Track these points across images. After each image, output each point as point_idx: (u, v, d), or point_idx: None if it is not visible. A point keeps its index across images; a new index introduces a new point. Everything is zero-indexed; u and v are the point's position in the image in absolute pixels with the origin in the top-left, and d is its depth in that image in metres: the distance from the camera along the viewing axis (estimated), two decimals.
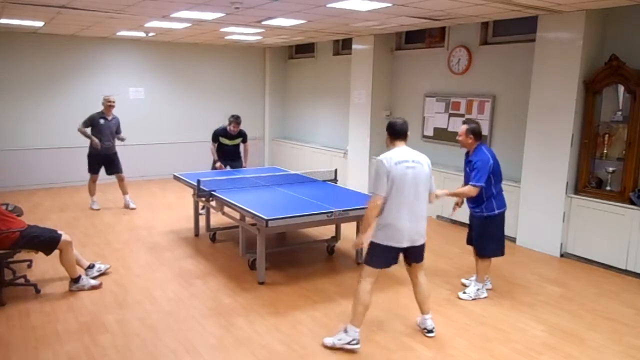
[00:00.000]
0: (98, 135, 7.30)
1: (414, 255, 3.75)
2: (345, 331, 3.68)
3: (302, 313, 4.28)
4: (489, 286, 4.82)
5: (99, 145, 7.25)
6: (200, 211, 6.57)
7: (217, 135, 7.28)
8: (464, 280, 4.97)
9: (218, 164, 7.21)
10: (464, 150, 4.67)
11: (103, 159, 7.48)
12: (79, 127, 7.35)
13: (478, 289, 4.65)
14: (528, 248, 6.09)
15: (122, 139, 7.54)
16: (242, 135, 7.39)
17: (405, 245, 3.60)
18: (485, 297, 4.64)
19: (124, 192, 7.81)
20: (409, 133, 3.73)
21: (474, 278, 4.78)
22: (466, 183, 4.55)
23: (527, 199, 6.14)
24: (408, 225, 3.56)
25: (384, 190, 3.49)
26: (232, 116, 7.23)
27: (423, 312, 3.95)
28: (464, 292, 4.66)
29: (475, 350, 3.72)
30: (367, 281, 3.64)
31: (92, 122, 7.31)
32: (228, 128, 7.19)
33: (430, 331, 3.91)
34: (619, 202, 5.33)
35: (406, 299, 4.49)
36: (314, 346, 3.75)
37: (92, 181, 7.63)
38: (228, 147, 7.35)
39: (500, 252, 4.63)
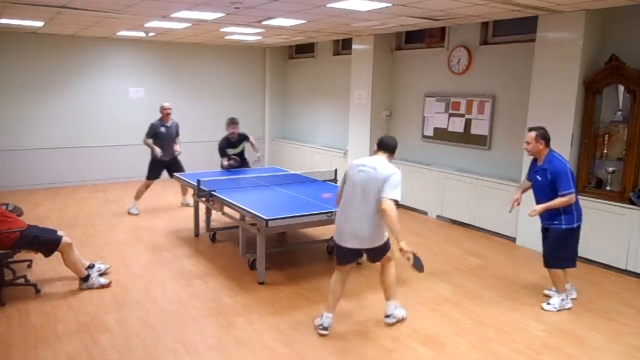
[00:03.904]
0: (160, 143, 7.30)
1: (369, 256, 3.96)
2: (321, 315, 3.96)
3: (302, 313, 4.28)
4: (574, 295, 4.59)
5: (160, 154, 7.24)
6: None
7: (223, 149, 7.08)
8: (546, 292, 4.70)
9: (226, 163, 7.08)
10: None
11: (165, 164, 7.46)
12: (144, 139, 7.35)
13: (562, 300, 4.39)
14: (528, 248, 6.09)
15: (178, 152, 7.47)
16: (244, 138, 7.24)
17: (350, 246, 3.76)
18: (569, 308, 4.39)
19: (184, 193, 7.85)
20: (396, 145, 3.90)
21: (554, 290, 4.53)
22: (540, 194, 4.36)
23: (527, 199, 6.11)
24: (349, 227, 3.74)
25: (340, 189, 3.91)
26: (228, 119, 7.08)
27: (386, 298, 4.11)
28: (548, 304, 4.39)
29: (475, 350, 3.72)
30: (335, 272, 3.98)
31: (154, 131, 7.32)
32: (228, 135, 7.02)
33: (387, 316, 4.06)
34: (619, 202, 5.33)
35: (406, 300, 4.49)
36: (314, 346, 3.75)
37: (146, 186, 7.58)
38: (237, 154, 7.22)
39: (572, 263, 4.40)
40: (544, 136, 4.29)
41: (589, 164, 5.63)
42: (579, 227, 4.34)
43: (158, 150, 7.24)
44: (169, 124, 7.44)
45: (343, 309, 4.36)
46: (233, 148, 7.14)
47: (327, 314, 3.93)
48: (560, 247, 4.33)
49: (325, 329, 3.89)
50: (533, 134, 4.31)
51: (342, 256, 3.88)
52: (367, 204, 3.67)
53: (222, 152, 7.08)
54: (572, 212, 4.26)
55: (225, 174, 6.68)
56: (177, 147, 7.48)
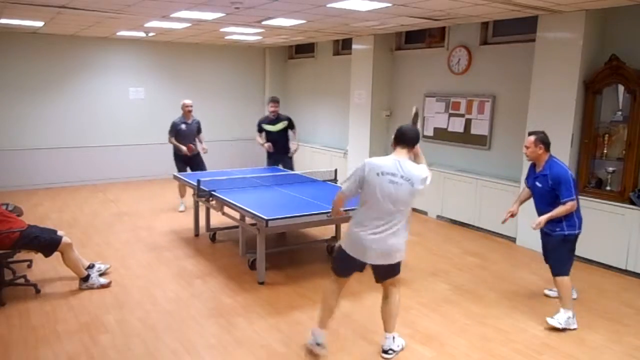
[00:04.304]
0: (181, 140, 7.35)
1: (378, 272, 3.47)
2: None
3: (302, 313, 4.28)
4: (575, 295, 4.46)
5: (187, 152, 7.29)
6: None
7: (259, 124, 7.32)
8: (547, 292, 4.69)
9: (267, 145, 7.24)
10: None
11: (189, 160, 7.50)
12: (168, 138, 7.39)
13: (569, 318, 4.08)
14: (528, 248, 6.09)
15: (205, 150, 7.52)
16: (286, 120, 7.22)
17: (367, 261, 3.34)
18: (575, 329, 4.08)
19: (182, 195, 7.82)
20: (417, 142, 3.38)
21: (555, 290, 4.42)
22: (540, 202, 4.24)
23: (527, 205, 6.11)
24: (374, 241, 3.27)
25: (350, 191, 3.37)
26: (270, 97, 7.30)
27: (385, 329, 3.61)
28: (553, 318, 4.09)
29: (475, 350, 3.72)
30: (330, 281, 3.58)
31: (175, 129, 7.36)
32: (267, 112, 7.23)
33: (385, 352, 3.58)
34: (619, 202, 5.33)
35: (406, 300, 4.48)
36: None
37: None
38: (273, 135, 7.29)
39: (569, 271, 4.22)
40: (543, 141, 4.13)
41: (589, 164, 5.63)
42: (578, 235, 4.19)
43: (184, 148, 7.30)
44: (189, 121, 7.49)
45: (343, 308, 4.36)
46: (270, 125, 7.26)
47: (319, 330, 3.54)
48: (564, 253, 4.17)
49: (323, 346, 3.52)
50: (532, 138, 4.15)
51: (349, 269, 3.47)
52: (401, 216, 3.28)
53: (258, 127, 7.33)
54: (573, 218, 4.12)
55: (227, 175, 6.68)
56: (203, 146, 7.54)
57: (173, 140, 7.38)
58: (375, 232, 3.26)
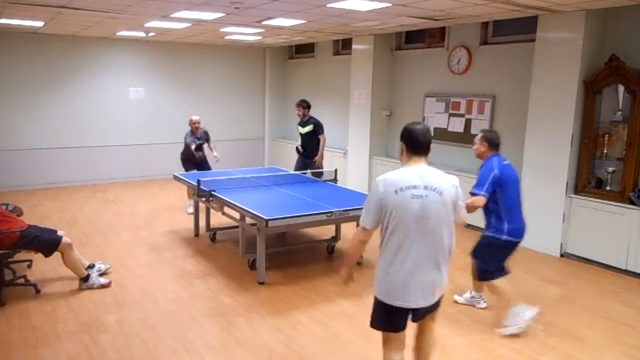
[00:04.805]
0: (196, 151, 7.42)
1: (424, 313, 2.75)
2: None
3: (302, 313, 4.28)
4: (483, 305, 4.43)
5: (196, 153, 7.39)
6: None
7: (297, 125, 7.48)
8: (456, 297, 4.56)
9: (298, 146, 7.44)
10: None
11: (197, 164, 7.56)
12: (192, 148, 7.32)
13: (473, 297, 4.42)
14: (528, 248, 6.09)
15: (217, 159, 7.54)
16: (313, 124, 7.27)
17: (413, 305, 2.62)
18: (483, 308, 4.34)
19: (190, 197, 7.83)
20: (431, 144, 2.75)
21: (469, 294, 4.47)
22: None
23: (527, 199, 6.08)
24: (414, 278, 2.58)
25: (370, 222, 2.59)
26: (299, 100, 7.35)
27: None
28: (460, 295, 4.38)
29: (475, 350, 3.72)
30: (386, 351, 2.77)
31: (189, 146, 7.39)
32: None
33: None
34: (619, 202, 5.33)
35: None
36: (314, 346, 3.75)
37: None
38: (302, 137, 7.39)
39: (492, 276, 4.00)
40: (487, 138, 3.99)
41: (589, 164, 5.63)
42: (509, 244, 3.90)
43: (198, 153, 7.41)
44: (199, 135, 7.52)
45: (343, 309, 4.37)
46: (300, 126, 7.39)
47: None
48: (487, 257, 3.98)
49: None
50: (480, 135, 4.05)
51: (395, 321, 2.69)
52: (441, 239, 2.60)
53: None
54: (502, 222, 3.87)
55: (228, 174, 6.68)
56: (215, 153, 7.55)
57: (194, 147, 7.32)
58: (410, 267, 2.57)
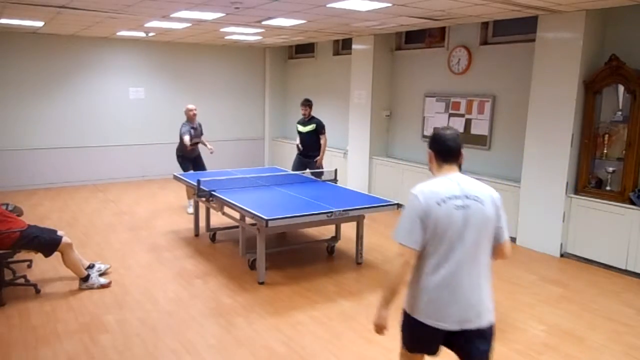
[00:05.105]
0: (191, 145, 7.44)
1: (468, 344, 2.39)
2: None
3: (302, 313, 4.28)
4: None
5: (190, 147, 7.37)
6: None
7: (296, 124, 7.48)
8: None
9: (298, 144, 7.44)
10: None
11: (192, 160, 7.62)
12: (184, 139, 7.25)
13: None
14: (528, 248, 6.09)
15: (211, 151, 7.57)
16: (315, 123, 7.31)
17: (449, 326, 2.32)
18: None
19: (190, 197, 7.81)
20: (461, 148, 2.51)
21: None
22: None
23: (527, 199, 6.14)
24: (452, 296, 2.31)
25: (416, 240, 2.28)
26: (304, 99, 7.40)
27: None
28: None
29: None
30: (400, 355, 2.57)
31: (188, 133, 7.37)
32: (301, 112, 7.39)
33: None
34: (619, 202, 5.33)
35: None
36: (314, 346, 3.75)
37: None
38: (303, 136, 7.38)
39: None
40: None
41: (589, 164, 5.63)
42: None
43: (188, 144, 7.29)
44: (195, 124, 7.56)
45: (343, 309, 4.37)
46: (301, 125, 7.39)
47: None
48: None
49: None
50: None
51: (426, 343, 2.43)
52: (484, 254, 2.36)
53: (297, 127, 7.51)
54: None
55: (229, 175, 6.69)
56: (209, 146, 7.60)
57: (187, 139, 7.28)
58: (448, 283, 2.30)
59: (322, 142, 7.37)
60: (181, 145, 7.40)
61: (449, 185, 2.34)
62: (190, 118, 7.49)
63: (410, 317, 2.38)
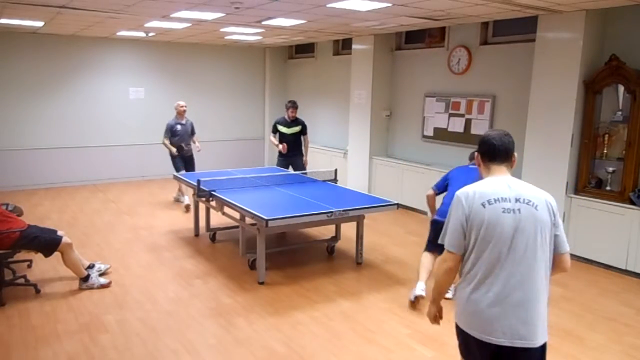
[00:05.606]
0: (178, 140, 7.62)
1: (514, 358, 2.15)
2: None
3: (302, 313, 4.28)
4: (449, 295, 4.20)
5: (176, 153, 7.58)
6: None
7: (275, 125, 7.45)
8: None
9: (281, 146, 7.33)
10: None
11: (184, 159, 7.74)
12: (163, 140, 7.64)
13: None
14: None
15: (198, 149, 7.80)
16: (300, 124, 7.39)
17: (496, 340, 2.13)
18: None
19: (180, 189, 7.98)
20: (508, 151, 2.27)
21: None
22: None
23: None
24: (502, 308, 2.12)
25: (459, 245, 2.19)
26: (289, 101, 7.41)
27: None
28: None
29: None
30: None
31: (171, 130, 7.62)
32: (285, 115, 7.35)
33: None
34: (619, 202, 5.33)
35: (405, 299, 4.48)
36: (314, 346, 3.75)
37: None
38: (287, 137, 7.37)
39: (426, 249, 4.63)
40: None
41: (589, 164, 5.63)
42: (435, 223, 4.52)
43: (174, 150, 7.56)
44: (183, 121, 7.69)
45: (343, 309, 4.37)
46: (285, 127, 7.37)
47: None
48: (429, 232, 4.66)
49: None
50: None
51: (477, 354, 2.23)
52: (538, 263, 2.13)
53: (273, 127, 7.46)
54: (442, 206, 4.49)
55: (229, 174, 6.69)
56: (197, 145, 7.77)
57: (167, 142, 7.60)
58: (497, 294, 2.13)
59: (306, 142, 7.54)
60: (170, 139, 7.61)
61: (497, 186, 2.18)
62: (180, 114, 7.65)
63: (459, 327, 2.28)
